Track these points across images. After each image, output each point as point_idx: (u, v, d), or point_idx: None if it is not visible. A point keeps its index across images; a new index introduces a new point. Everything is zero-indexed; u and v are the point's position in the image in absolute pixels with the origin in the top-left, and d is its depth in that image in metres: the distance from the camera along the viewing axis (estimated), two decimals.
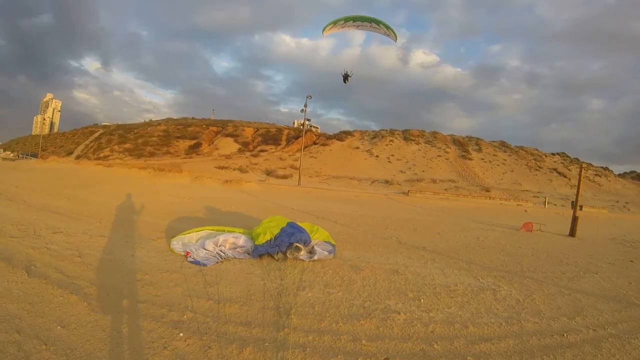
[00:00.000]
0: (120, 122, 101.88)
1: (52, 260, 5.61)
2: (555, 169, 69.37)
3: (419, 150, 73.14)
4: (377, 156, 69.07)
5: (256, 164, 59.88)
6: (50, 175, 24.94)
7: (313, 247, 7.01)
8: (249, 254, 6.71)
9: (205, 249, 6.55)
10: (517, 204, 37.22)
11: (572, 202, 17.05)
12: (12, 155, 77.89)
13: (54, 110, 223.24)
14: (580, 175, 17.51)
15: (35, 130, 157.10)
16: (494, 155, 73.11)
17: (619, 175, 77.76)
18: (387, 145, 74.25)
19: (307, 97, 38.92)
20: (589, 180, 64.71)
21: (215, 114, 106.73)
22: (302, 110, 39.01)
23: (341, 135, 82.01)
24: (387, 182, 52.13)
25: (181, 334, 3.61)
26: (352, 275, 6.06)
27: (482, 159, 70.70)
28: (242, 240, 6.96)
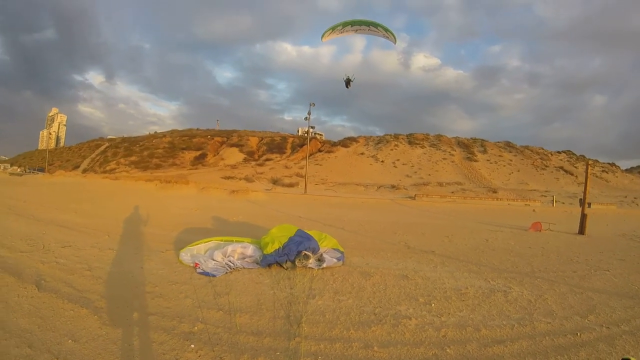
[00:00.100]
0: (125, 135, 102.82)
1: (61, 274, 5.65)
2: (561, 167, 68.85)
3: (424, 153, 72.97)
4: (382, 161, 68.98)
5: (262, 173, 60.04)
6: (58, 190, 25.18)
7: (322, 254, 7.00)
8: (257, 263, 6.70)
9: (214, 260, 6.56)
10: (525, 204, 36.96)
11: (580, 199, 16.94)
12: (19, 170, 78.75)
13: (59, 124, 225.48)
14: (587, 172, 17.40)
15: (42, 145, 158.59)
16: (499, 155, 72.75)
17: (626, 170, 77.05)
18: (392, 150, 74.17)
19: (310, 104, 39.14)
20: (596, 177, 64.17)
21: (220, 124, 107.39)
22: (306, 118, 39.21)
23: (346, 142, 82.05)
24: (393, 187, 52.03)
25: (192, 346, 3.60)
26: (361, 282, 6.04)
27: (488, 160, 70.37)
28: (250, 250, 6.96)
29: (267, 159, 75.72)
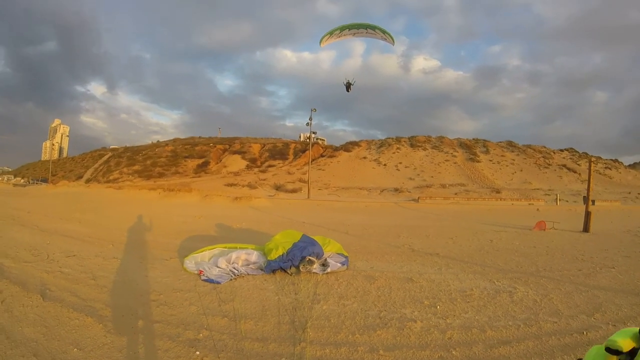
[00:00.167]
0: (128, 145, 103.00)
1: (66, 284, 5.68)
2: (564, 165, 68.52)
3: (427, 156, 72.78)
4: (385, 165, 68.85)
5: (265, 179, 60.00)
6: (62, 200, 25.31)
7: (326, 259, 7.00)
8: (262, 269, 6.70)
9: (218, 267, 6.57)
10: (529, 204, 36.80)
11: (584, 197, 16.88)
12: (22, 181, 79.22)
13: (62, 135, 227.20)
14: (589, 169, 17.32)
15: (45, 156, 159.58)
16: (501, 155, 72.50)
17: (629, 166, 76.52)
18: (394, 153, 74.03)
19: (311, 110, 39.26)
20: (599, 173, 63.82)
21: (222, 131, 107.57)
22: (308, 123, 39.32)
23: (348, 146, 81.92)
24: (396, 190, 51.89)
25: (198, 353, 3.61)
26: (366, 286, 6.03)
27: (490, 161, 70.15)
28: (254, 256, 6.97)
29: (270, 166, 75.67)
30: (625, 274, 7.26)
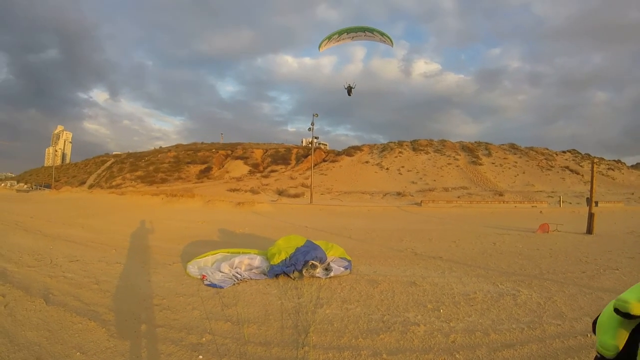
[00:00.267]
0: (130, 151, 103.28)
1: (69, 288, 5.70)
2: (567, 167, 68.28)
3: (429, 159, 72.70)
4: (387, 169, 68.81)
5: (267, 184, 60.06)
6: (65, 205, 25.38)
7: (329, 264, 6.99)
8: (265, 274, 6.70)
9: (221, 272, 6.57)
10: (532, 206, 36.65)
11: (587, 198, 16.82)
12: (26, 186, 79.47)
13: (65, 141, 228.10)
14: (592, 170, 17.27)
15: (48, 162, 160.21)
16: (504, 158, 72.34)
17: (632, 166, 76.22)
18: (396, 157, 73.99)
19: (313, 115, 39.40)
20: (602, 174, 63.52)
21: (224, 137, 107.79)
22: (310, 128, 39.43)
23: (350, 151, 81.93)
24: (399, 194, 51.82)
25: (201, 357, 3.61)
26: (369, 290, 6.01)
27: (493, 163, 69.99)
28: (257, 261, 6.97)
29: (272, 171, 75.73)
30: (629, 275, 7.23)
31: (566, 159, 74.30)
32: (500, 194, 51.04)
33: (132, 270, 7.08)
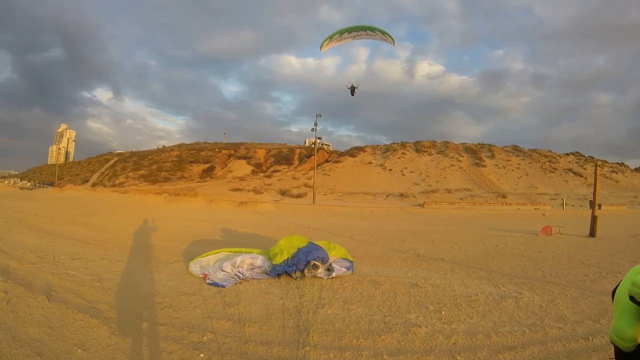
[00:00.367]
0: (134, 150, 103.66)
1: (71, 286, 5.72)
2: (570, 170, 68.07)
3: (432, 161, 72.61)
4: (390, 170, 68.77)
5: (270, 184, 60.17)
6: (67, 203, 25.49)
7: (331, 264, 6.99)
8: (267, 274, 6.71)
9: (223, 271, 6.58)
10: (535, 208, 36.54)
11: (590, 201, 16.77)
12: (29, 184, 79.91)
13: (68, 140, 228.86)
14: (595, 173, 17.21)
15: (51, 160, 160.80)
16: (507, 160, 72.16)
17: (636, 169, 75.79)
18: (399, 158, 73.94)
19: (316, 115, 39.46)
20: (606, 177, 63.36)
21: (227, 137, 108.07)
22: (313, 129, 39.49)
23: (353, 152, 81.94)
24: (401, 195, 51.78)
25: (202, 355, 3.61)
26: (371, 291, 6.01)
27: (496, 165, 69.83)
28: (259, 260, 6.98)
29: (275, 171, 75.85)
30: None
31: (569, 162, 74.05)
32: (503, 196, 50.92)
33: (134, 269, 7.10)
